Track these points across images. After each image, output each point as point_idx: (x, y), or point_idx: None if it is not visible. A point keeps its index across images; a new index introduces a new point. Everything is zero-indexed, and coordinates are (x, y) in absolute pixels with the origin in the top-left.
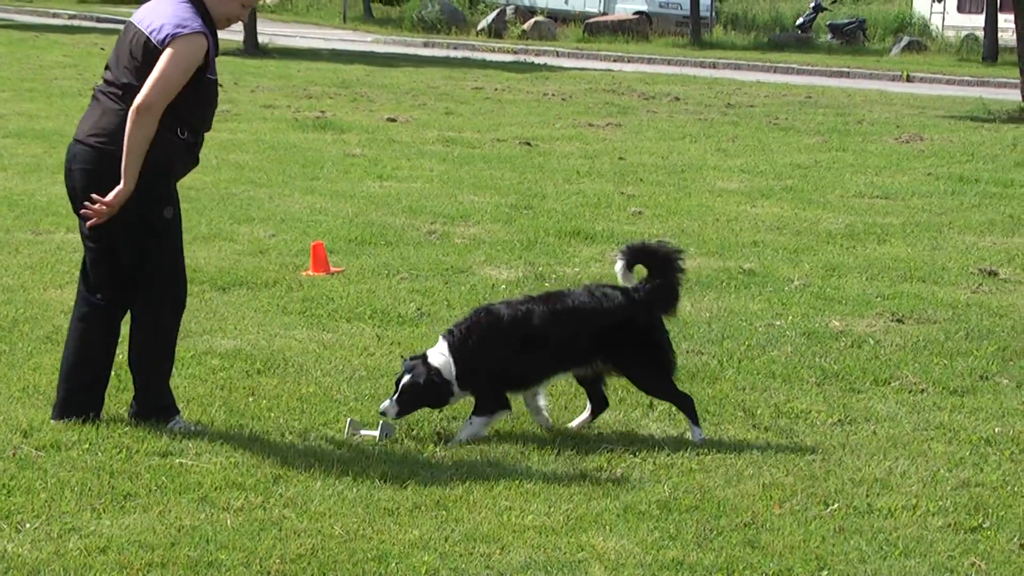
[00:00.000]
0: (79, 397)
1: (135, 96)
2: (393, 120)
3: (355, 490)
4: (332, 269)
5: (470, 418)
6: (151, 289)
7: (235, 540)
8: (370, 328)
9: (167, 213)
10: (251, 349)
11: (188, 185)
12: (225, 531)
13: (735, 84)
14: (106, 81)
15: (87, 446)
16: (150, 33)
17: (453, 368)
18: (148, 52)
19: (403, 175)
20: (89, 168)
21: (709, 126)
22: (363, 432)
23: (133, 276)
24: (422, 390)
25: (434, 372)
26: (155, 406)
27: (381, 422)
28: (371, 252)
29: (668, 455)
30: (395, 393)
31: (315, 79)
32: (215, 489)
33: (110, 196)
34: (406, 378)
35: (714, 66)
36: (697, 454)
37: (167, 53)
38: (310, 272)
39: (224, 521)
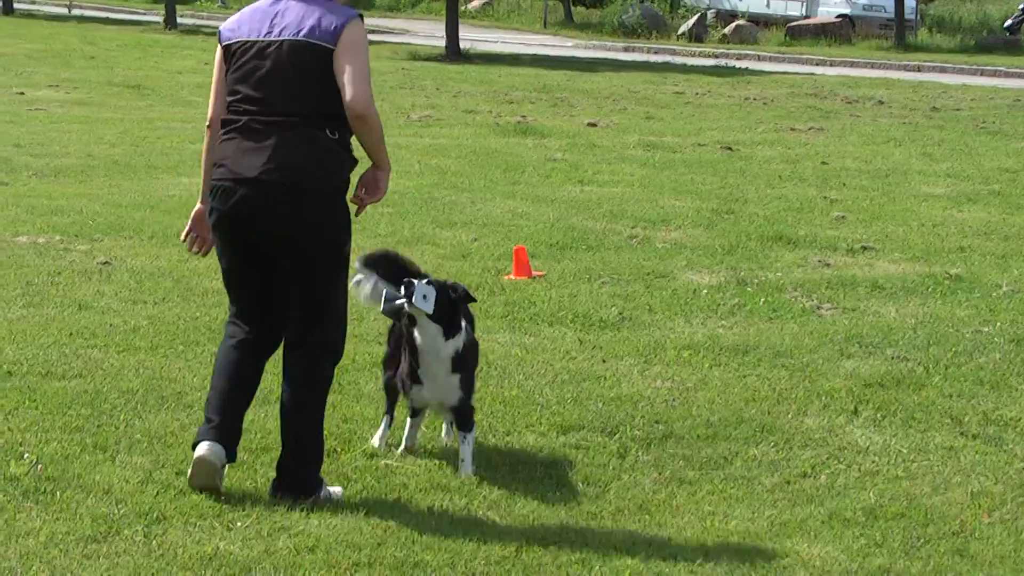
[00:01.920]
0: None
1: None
2: (594, 125)
3: (558, 493)
4: (534, 273)
5: (464, 437)
6: (322, 338)
7: (439, 541)
8: (572, 332)
9: (348, 246)
10: None
11: (391, 190)
12: (430, 532)
13: (940, 88)
14: (260, 111)
15: None
16: (308, 35)
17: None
18: (315, 54)
19: (604, 179)
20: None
21: (914, 130)
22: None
23: (299, 322)
24: (447, 296)
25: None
26: (307, 480)
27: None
28: (572, 256)
29: (873, 462)
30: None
31: (516, 84)
32: (420, 491)
33: (380, 185)
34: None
35: (919, 69)
36: (903, 461)
37: (348, 41)
38: (512, 276)
39: (429, 522)
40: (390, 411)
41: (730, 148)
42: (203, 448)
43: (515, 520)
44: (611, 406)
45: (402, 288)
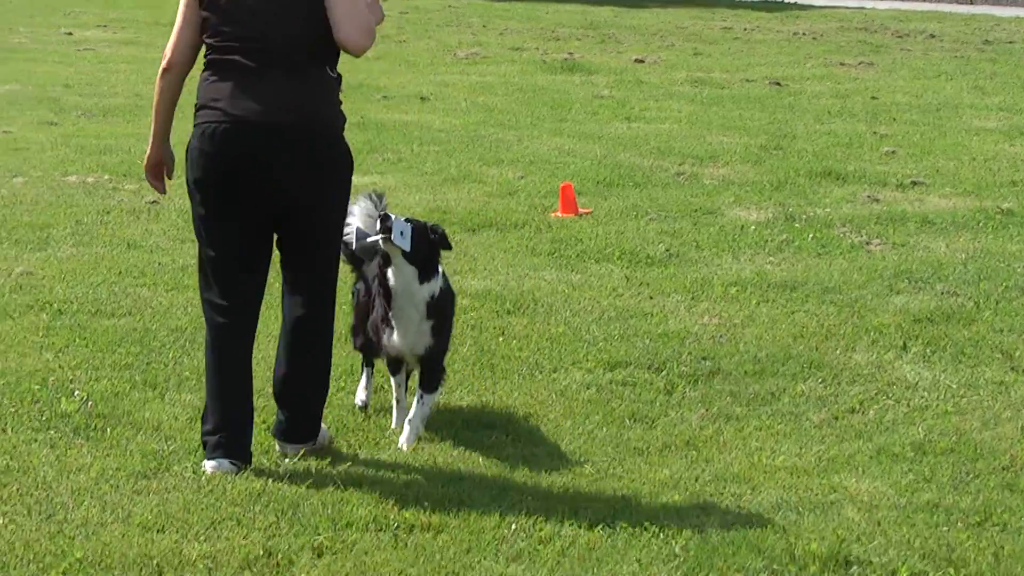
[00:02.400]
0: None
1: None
2: (641, 61)
3: (604, 430)
4: (581, 210)
5: (421, 397)
6: (326, 303)
7: (486, 478)
8: (619, 269)
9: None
10: (501, 289)
11: (438, 128)
12: (478, 468)
13: (993, 20)
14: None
15: (342, 384)
16: None
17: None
18: None
19: (651, 116)
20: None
21: (965, 64)
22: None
23: (307, 290)
24: (425, 236)
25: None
26: (313, 428)
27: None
28: (619, 193)
29: (923, 397)
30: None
31: (563, 21)
32: (466, 427)
33: None
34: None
35: (971, 2)
36: (953, 397)
37: None
38: (559, 213)
39: (475, 459)
40: (369, 364)
41: (779, 83)
42: (212, 466)
43: (561, 457)
44: (658, 342)
45: (377, 223)
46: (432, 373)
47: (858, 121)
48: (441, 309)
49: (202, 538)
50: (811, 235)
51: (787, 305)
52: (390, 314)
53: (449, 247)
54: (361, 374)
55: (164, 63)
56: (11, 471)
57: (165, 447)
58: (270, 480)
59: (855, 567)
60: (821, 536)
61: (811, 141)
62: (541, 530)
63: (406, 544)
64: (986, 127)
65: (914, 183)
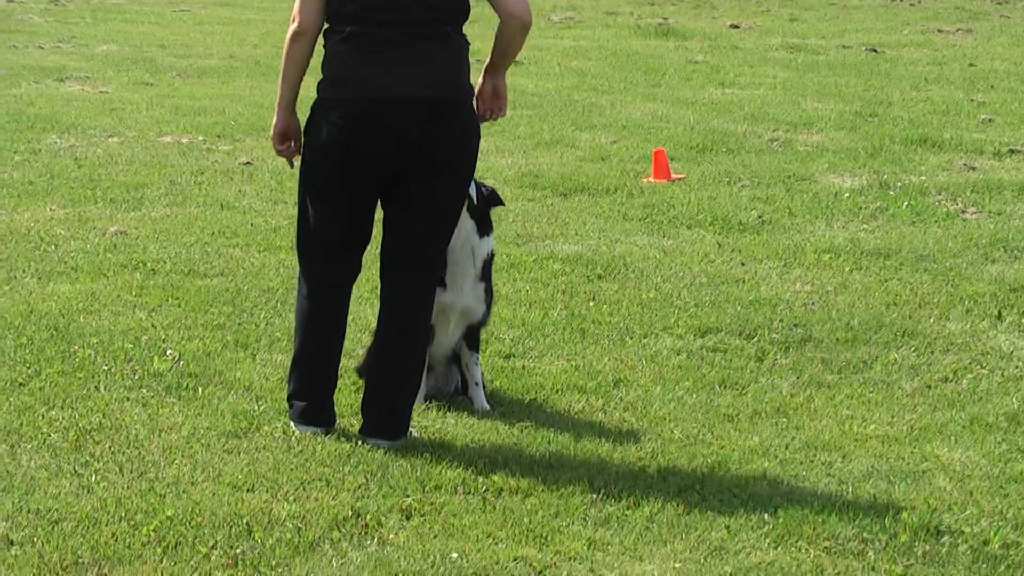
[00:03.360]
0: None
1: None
2: (736, 27)
3: (695, 396)
4: (673, 176)
5: (473, 358)
6: (433, 290)
7: (575, 443)
8: (711, 235)
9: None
10: (592, 254)
11: (531, 92)
12: (567, 433)
13: None
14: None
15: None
16: None
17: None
18: None
19: (745, 82)
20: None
21: None
22: None
23: (418, 271)
24: (483, 194)
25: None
26: (406, 419)
27: None
28: (712, 159)
29: (1017, 367)
30: None
31: None
32: (556, 391)
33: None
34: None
35: None
36: None
37: None
38: (651, 179)
39: (565, 423)
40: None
41: (875, 50)
42: (300, 429)
43: (651, 421)
44: (749, 309)
45: None
46: (477, 334)
47: (955, 88)
48: (489, 275)
49: (291, 498)
50: (906, 203)
51: (880, 273)
52: (445, 275)
53: (502, 203)
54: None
55: (295, 27)
56: (103, 428)
57: (255, 407)
58: (359, 442)
59: (946, 536)
60: (912, 505)
61: (907, 108)
62: (630, 496)
63: (494, 507)
64: None
65: (1011, 151)
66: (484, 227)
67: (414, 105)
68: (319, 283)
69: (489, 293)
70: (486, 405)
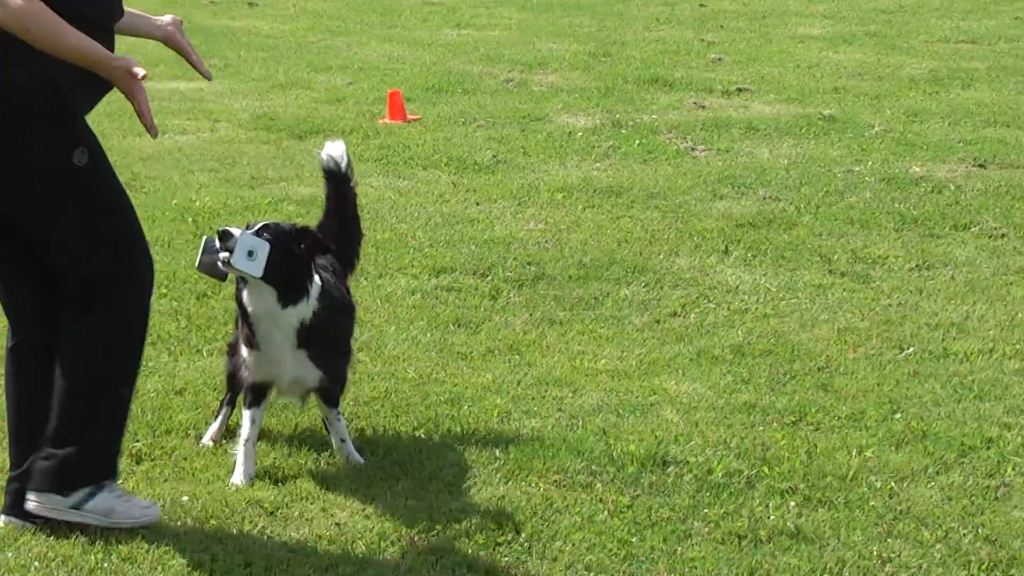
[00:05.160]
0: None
1: None
2: None
3: (428, 335)
4: (409, 117)
5: (333, 413)
6: (88, 295)
7: None
8: (446, 175)
9: (82, 157)
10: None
11: (265, 33)
12: None
13: None
14: None
15: (164, 291)
16: None
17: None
18: None
19: (481, 23)
20: None
21: None
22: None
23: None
24: (288, 250)
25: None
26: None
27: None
28: (448, 100)
29: (743, 300)
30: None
31: None
32: None
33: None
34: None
35: None
36: (772, 300)
37: None
38: (387, 120)
39: None
40: (230, 403)
41: None
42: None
43: (385, 361)
44: (484, 248)
45: (217, 240)
46: (331, 395)
47: (686, 28)
48: (320, 334)
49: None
50: (637, 141)
51: (612, 211)
52: (255, 338)
53: (329, 249)
54: (216, 416)
55: None
56: None
57: None
58: None
59: (672, 467)
60: (640, 437)
61: (639, 48)
62: (363, 435)
63: (226, 451)
64: (811, 34)
65: (739, 90)
66: (290, 292)
67: None
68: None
69: (321, 359)
70: (360, 459)
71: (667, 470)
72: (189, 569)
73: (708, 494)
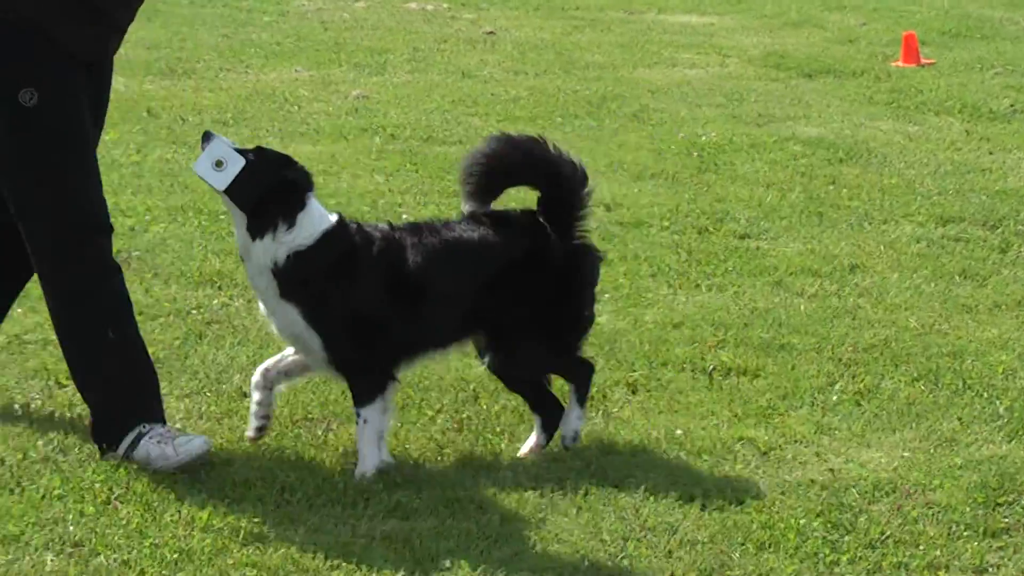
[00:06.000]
0: None
1: None
2: None
3: (933, 285)
4: (923, 60)
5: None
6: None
7: (808, 325)
8: (959, 122)
9: (28, 93)
10: (834, 137)
11: None
12: (798, 316)
13: None
14: None
15: (666, 224)
16: None
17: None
18: None
19: None
20: None
21: None
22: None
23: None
24: (260, 177)
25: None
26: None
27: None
28: (965, 45)
29: None
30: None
31: None
32: (790, 274)
33: None
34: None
35: None
36: None
37: None
38: (900, 63)
39: (798, 306)
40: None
41: None
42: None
43: (887, 309)
44: (995, 199)
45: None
46: (347, 374)
47: None
48: (314, 287)
49: None
50: None
51: None
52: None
53: (309, 188)
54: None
55: None
56: None
57: None
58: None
59: None
60: None
61: None
62: (861, 381)
63: (720, 387)
64: None
65: None
66: (261, 223)
67: None
68: None
69: (317, 317)
70: (365, 475)
71: None
72: (680, 503)
73: None
